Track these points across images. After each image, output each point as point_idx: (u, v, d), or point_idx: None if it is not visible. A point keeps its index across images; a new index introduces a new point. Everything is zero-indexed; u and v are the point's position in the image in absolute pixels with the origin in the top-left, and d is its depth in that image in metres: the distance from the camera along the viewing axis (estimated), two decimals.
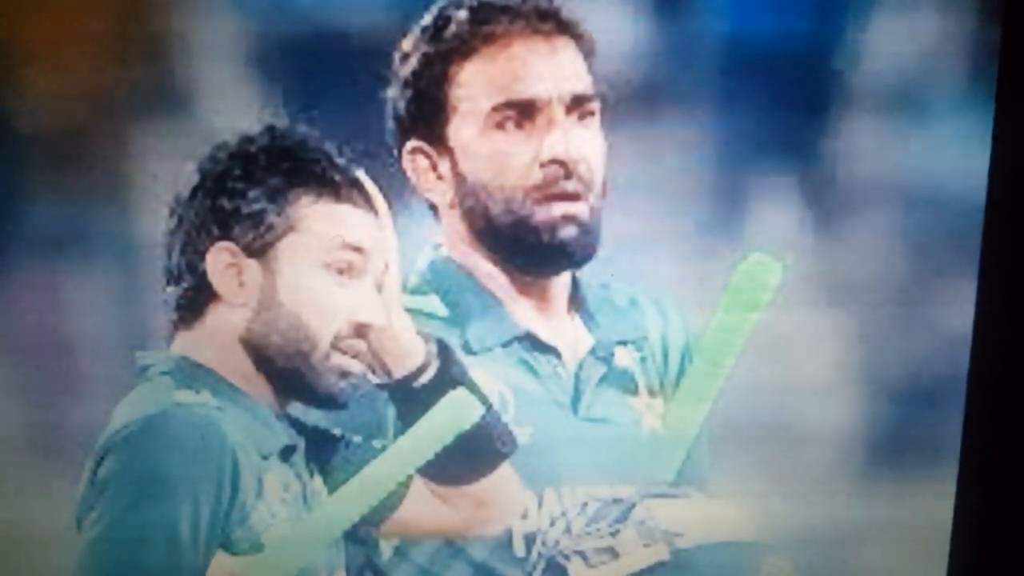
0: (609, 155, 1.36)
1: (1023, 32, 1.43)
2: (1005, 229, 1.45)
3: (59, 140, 1.35)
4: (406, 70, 1.34)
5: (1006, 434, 1.47)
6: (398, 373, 1.28)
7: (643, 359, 1.40)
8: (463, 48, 1.33)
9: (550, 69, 1.33)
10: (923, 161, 1.43)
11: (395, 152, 1.36)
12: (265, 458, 1.24)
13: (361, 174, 1.28)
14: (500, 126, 1.33)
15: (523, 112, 1.33)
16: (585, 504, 1.35)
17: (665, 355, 1.41)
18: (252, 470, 1.23)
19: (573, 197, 1.34)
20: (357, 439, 1.31)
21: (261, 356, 1.26)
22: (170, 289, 1.26)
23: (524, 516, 1.34)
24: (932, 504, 1.45)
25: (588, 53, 1.35)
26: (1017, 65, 1.42)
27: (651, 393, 1.40)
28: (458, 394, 1.28)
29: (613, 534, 1.33)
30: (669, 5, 1.41)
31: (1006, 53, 1.42)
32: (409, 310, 1.30)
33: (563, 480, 1.35)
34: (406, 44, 1.34)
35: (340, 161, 1.27)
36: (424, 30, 1.34)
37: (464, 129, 1.34)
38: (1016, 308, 1.46)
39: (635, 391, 1.39)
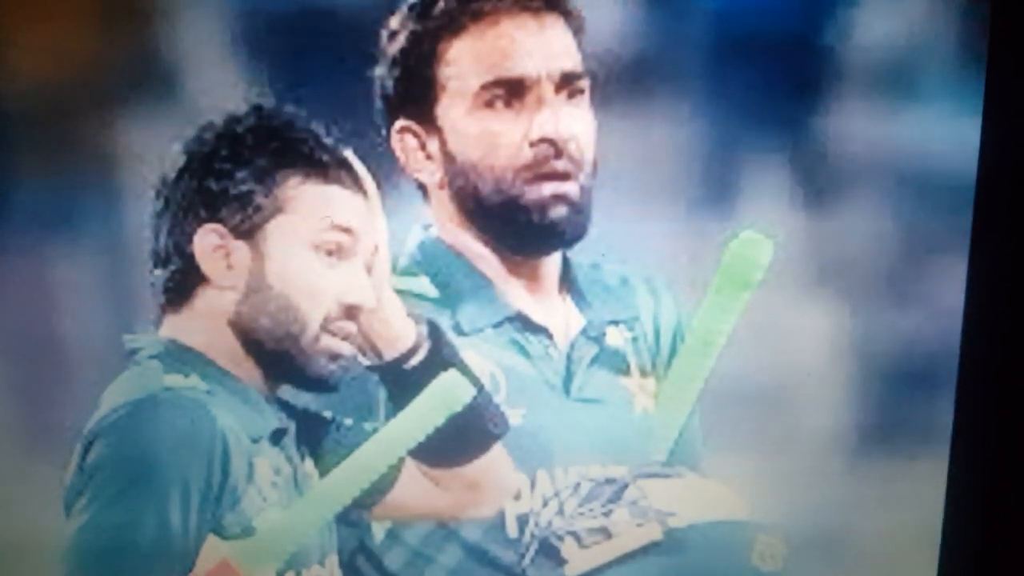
0: (599, 134, 1.35)
1: (1013, 8, 1.42)
2: (996, 206, 1.44)
3: (43, 122, 1.33)
4: (394, 48, 1.33)
5: (998, 413, 1.47)
6: (389, 355, 1.28)
7: (635, 339, 1.40)
8: (451, 25, 1.32)
9: (539, 47, 1.32)
10: (914, 138, 1.43)
11: (383, 132, 1.34)
12: (255, 441, 1.24)
13: (349, 154, 1.27)
14: (489, 105, 1.32)
15: (512, 90, 1.32)
16: (578, 485, 1.34)
17: (657, 334, 1.40)
18: (242, 454, 1.22)
19: (563, 176, 1.33)
20: (348, 422, 1.30)
21: (250, 339, 1.25)
22: (158, 272, 1.25)
23: (517, 497, 1.34)
24: (924, 482, 1.46)
25: (577, 30, 1.34)
26: (1007, 42, 1.42)
27: (643, 373, 1.39)
28: (449, 376, 1.27)
29: (606, 514, 1.33)
30: None
31: (996, 29, 1.42)
32: (399, 291, 1.29)
33: (555, 461, 1.34)
34: (394, 22, 1.33)
35: (328, 141, 1.26)
36: (412, 7, 1.32)
37: (453, 108, 1.33)
38: (1007, 285, 1.46)
39: (627, 371, 1.39)
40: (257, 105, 1.25)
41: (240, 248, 1.24)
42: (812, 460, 1.44)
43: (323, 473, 1.27)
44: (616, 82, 1.35)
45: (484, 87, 1.32)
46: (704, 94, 1.39)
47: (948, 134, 1.43)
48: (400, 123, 1.34)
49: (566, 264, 1.39)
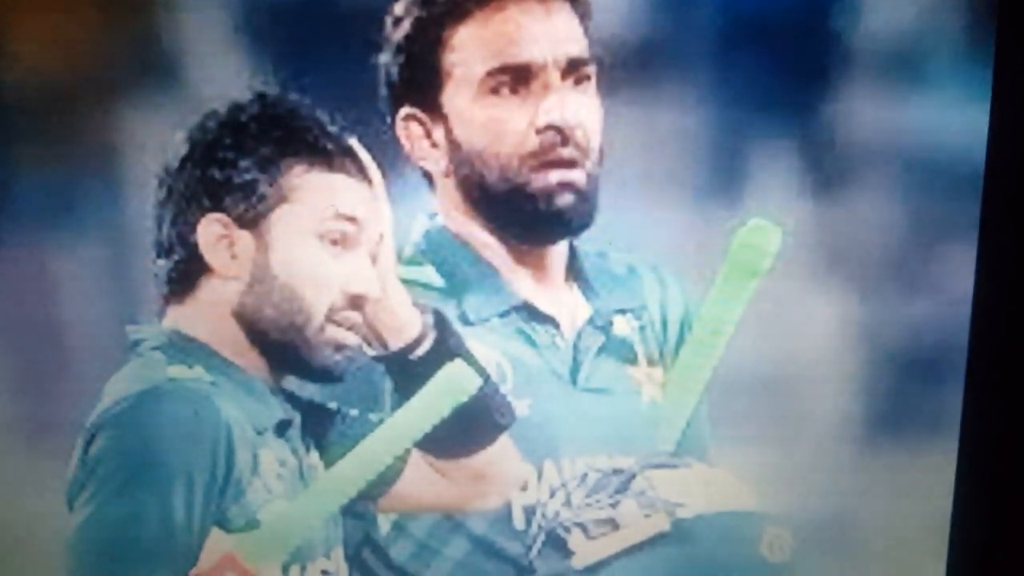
0: (606, 121, 1.34)
1: None
2: (1005, 194, 1.44)
3: (46, 111, 1.32)
4: (398, 35, 1.32)
5: (1007, 401, 1.47)
6: (394, 345, 1.27)
7: (642, 328, 1.39)
8: (456, 11, 1.30)
9: (545, 32, 1.31)
10: (922, 125, 1.42)
11: (388, 119, 1.33)
12: (260, 433, 1.23)
13: (354, 142, 1.26)
14: (495, 92, 1.31)
15: (518, 77, 1.31)
16: (585, 475, 1.34)
17: (664, 324, 1.40)
18: (247, 446, 1.21)
19: (569, 164, 1.32)
20: (353, 413, 1.29)
21: (255, 329, 1.24)
22: (161, 262, 1.24)
23: (523, 488, 1.33)
24: (933, 472, 1.45)
25: (584, 16, 1.33)
26: (1015, 28, 1.41)
27: (650, 362, 1.39)
28: (455, 366, 1.26)
29: (613, 505, 1.32)
30: None
31: (1004, 14, 1.41)
32: (404, 281, 1.29)
33: (562, 451, 1.34)
34: (398, 8, 1.31)
35: (332, 129, 1.25)
36: None
37: (458, 95, 1.31)
38: (1016, 273, 1.46)
39: (634, 361, 1.38)
40: (261, 93, 1.25)
41: (244, 238, 1.23)
42: (820, 450, 1.44)
43: (328, 465, 1.27)
44: (623, 68, 1.34)
45: (490, 74, 1.30)
46: (711, 81, 1.38)
47: (957, 121, 1.42)
48: (405, 111, 1.33)
49: (572, 253, 1.38)
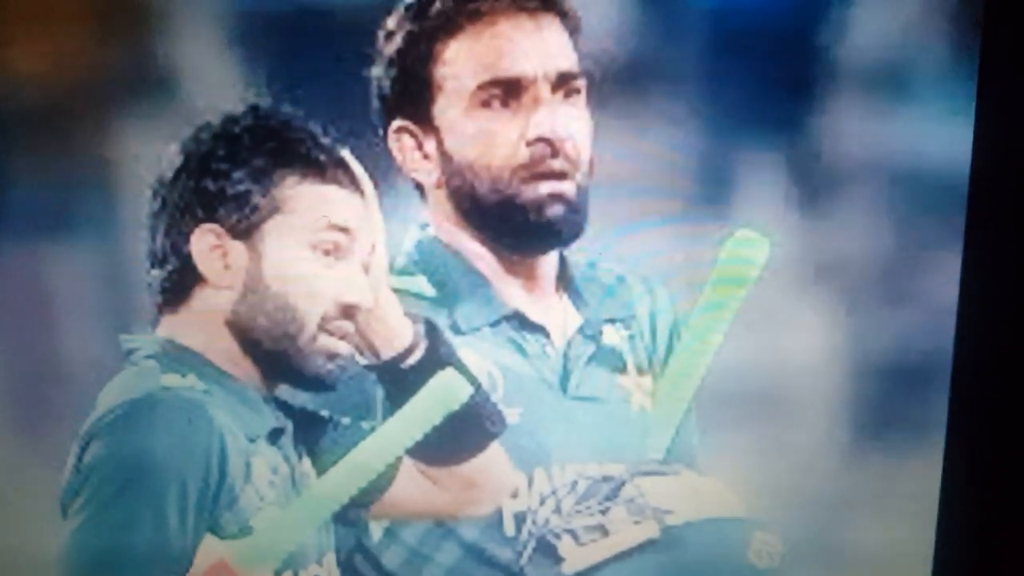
0: (595, 133, 1.35)
1: (1005, 7, 1.43)
2: (989, 205, 1.45)
3: (40, 122, 1.33)
4: (391, 48, 1.33)
5: (992, 408, 1.48)
6: (386, 354, 1.28)
7: (631, 337, 1.40)
8: (448, 26, 1.32)
9: (535, 47, 1.32)
10: (908, 137, 1.43)
11: (380, 131, 1.34)
12: (253, 441, 1.24)
13: (346, 154, 1.27)
14: (486, 105, 1.32)
15: (509, 90, 1.32)
16: (575, 483, 1.34)
17: (653, 333, 1.41)
18: (240, 453, 1.22)
19: (560, 176, 1.33)
20: (346, 421, 1.30)
21: (248, 338, 1.25)
22: (154, 272, 1.25)
23: (514, 496, 1.34)
24: (919, 479, 1.46)
25: (573, 30, 1.34)
26: (1000, 40, 1.42)
27: (640, 371, 1.40)
28: (447, 375, 1.27)
29: (603, 512, 1.33)
30: None
31: (988, 28, 1.42)
32: (396, 291, 1.30)
33: (553, 459, 1.35)
34: (390, 22, 1.33)
35: (325, 141, 1.26)
36: (408, 8, 1.32)
37: (450, 108, 1.33)
38: (1001, 283, 1.47)
39: (624, 369, 1.39)
40: (254, 105, 1.26)
41: (237, 248, 1.24)
42: (808, 457, 1.45)
43: (320, 472, 1.28)
44: (612, 82, 1.35)
45: (481, 87, 1.32)
46: (700, 94, 1.39)
47: (942, 133, 1.43)
48: (397, 123, 1.34)
49: (563, 263, 1.39)
